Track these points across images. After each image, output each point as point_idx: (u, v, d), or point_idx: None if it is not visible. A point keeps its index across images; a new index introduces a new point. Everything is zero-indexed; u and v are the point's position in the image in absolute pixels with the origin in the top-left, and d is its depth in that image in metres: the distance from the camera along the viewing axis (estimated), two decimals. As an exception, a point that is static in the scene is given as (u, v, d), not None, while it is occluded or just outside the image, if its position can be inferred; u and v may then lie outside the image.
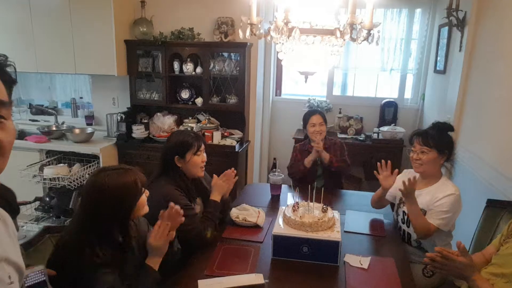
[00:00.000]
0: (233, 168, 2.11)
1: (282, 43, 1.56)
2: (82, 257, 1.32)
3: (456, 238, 1.71)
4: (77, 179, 3.15)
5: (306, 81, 1.74)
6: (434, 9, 3.98)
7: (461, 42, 3.04)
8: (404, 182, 1.86)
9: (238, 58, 3.42)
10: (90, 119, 3.89)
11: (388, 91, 4.38)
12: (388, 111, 4.16)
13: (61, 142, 3.50)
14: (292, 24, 1.44)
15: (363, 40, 1.47)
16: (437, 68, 3.70)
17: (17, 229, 1.47)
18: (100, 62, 3.39)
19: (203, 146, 2.00)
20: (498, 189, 2.25)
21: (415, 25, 4.08)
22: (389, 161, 2.10)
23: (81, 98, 4.05)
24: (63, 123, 3.86)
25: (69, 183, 3.14)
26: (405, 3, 3.95)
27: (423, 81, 4.17)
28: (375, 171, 2.13)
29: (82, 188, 1.70)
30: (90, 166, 3.30)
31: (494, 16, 2.62)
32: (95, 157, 3.37)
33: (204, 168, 2.04)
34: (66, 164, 3.31)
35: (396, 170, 2.06)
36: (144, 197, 1.48)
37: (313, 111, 2.82)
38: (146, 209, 1.52)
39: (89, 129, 3.58)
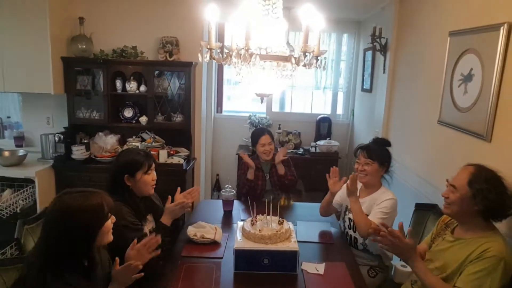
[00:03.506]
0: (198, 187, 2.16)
1: (240, 68, 1.68)
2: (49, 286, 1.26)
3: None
4: (9, 207, 2.89)
5: (262, 102, 1.87)
6: (358, 35, 4.44)
7: (384, 65, 3.44)
8: (347, 184, 2.11)
9: (183, 77, 3.45)
10: (20, 140, 3.59)
11: (322, 107, 4.74)
12: (323, 126, 4.50)
13: (-13, 166, 3.18)
14: (251, 50, 1.56)
15: (314, 67, 1.64)
16: (364, 87, 4.11)
17: None
18: (34, 80, 3.17)
19: (153, 165, 2.02)
20: (424, 194, 2.59)
21: (343, 48, 4.51)
22: (336, 168, 2.36)
23: (8, 117, 3.73)
24: (-13, 145, 3.51)
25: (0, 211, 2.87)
26: (333, 28, 4.36)
27: (352, 99, 4.60)
28: (327, 174, 2.35)
29: (45, 211, 1.60)
30: (24, 192, 3.05)
31: (411, 43, 3.04)
32: (29, 182, 3.11)
33: (154, 186, 2.04)
34: (-5, 191, 3.02)
35: (344, 178, 2.27)
36: (109, 223, 1.44)
37: (261, 131, 2.95)
38: (110, 237, 1.47)
39: (21, 151, 3.30)
